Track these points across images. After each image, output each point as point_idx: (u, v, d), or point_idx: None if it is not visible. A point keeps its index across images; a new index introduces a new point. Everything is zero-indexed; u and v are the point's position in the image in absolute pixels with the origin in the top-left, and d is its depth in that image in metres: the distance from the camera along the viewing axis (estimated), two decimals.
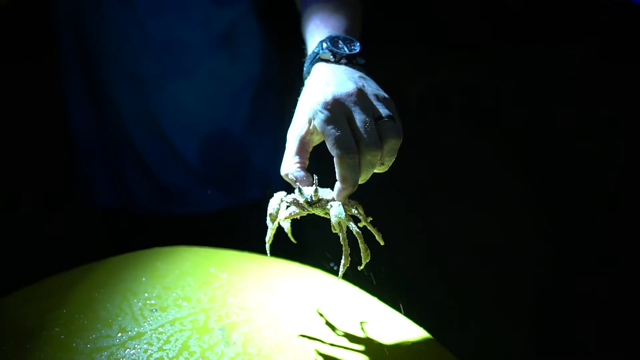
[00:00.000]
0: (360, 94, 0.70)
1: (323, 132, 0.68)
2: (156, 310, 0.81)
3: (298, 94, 0.76)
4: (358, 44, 0.78)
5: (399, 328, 0.83)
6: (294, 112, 0.75)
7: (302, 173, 0.72)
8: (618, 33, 1.80)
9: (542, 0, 1.86)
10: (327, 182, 0.72)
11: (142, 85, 1.21)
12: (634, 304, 1.71)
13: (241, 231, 1.12)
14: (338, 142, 0.67)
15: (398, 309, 0.86)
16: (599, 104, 1.83)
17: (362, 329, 0.82)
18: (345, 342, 0.79)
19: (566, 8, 1.85)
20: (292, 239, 0.79)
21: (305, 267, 0.97)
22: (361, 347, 0.78)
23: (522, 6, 1.87)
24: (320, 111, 0.69)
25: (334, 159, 0.67)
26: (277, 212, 0.72)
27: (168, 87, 1.21)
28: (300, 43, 0.89)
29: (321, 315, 0.85)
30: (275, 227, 0.74)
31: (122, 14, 1.17)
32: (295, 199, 0.72)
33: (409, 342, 0.80)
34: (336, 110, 0.69)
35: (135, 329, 0.77)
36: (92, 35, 1.20)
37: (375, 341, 0.80)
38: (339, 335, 0.80)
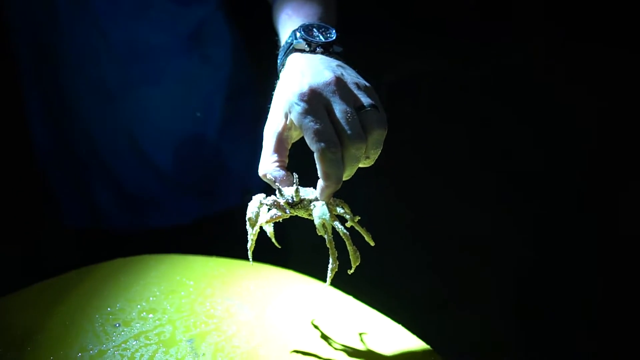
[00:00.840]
0: (339, 82, 0.65)
1: (301, 126, 0.64)
2: (119, 324, 0.77)
3: (273, 90, 0.71)
4: (334, 31, 0.74)
5: (381, 331, 0.80)
6: (269, 108, 0.70)
7: (281, 172, 0.68)
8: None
9: None
10: (309, 181, 0.68)
11: (108, 94, 1.14)
12: (625, 299, 1.76)
13: (222, 240, 1.06)
14: (318, 135, 0.62)
15: (381, 310, 0.83)
16: (575, 92, 1.88)
17: (339, 332, 0.79)
18: (323, 347, 0.75)
19: None
20: (275, 244, 0.74)
21: (277, 268, 0.94)
22: (339, 352, 0.75)
23: None
24: (297, 103, 0.64)
25: (315, 155, 0.63)
26: (256, 216, 0.67)
27: (136, 94, 1.14)
28: (273, 36, 0.84)
29: (297, 320, 0.81)
30: (257, 233, 0.69)
31: (80, 19, 1.09)
32: (275, 201, 0.67)
33: (395, 346, 0.77)
34: (314, 101, 0.64)
35: (97, 347, 0.73)
36: (50, 45, 1.12)
37: (354, 345, 0.76)
38: (316, 340, 0.77)
